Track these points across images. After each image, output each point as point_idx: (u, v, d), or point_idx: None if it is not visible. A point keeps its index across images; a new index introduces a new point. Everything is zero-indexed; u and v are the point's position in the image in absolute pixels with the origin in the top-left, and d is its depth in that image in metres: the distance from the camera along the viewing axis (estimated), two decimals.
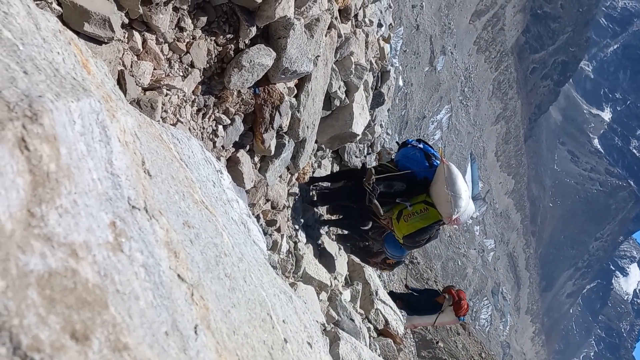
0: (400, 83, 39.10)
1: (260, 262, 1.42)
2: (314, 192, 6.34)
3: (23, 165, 0.54)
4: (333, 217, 6.90)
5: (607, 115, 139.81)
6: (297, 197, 5.55)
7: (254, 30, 3.51)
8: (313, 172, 6.13)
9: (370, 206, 5.26)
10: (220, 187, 1.58)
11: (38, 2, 2.07)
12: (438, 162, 5.44)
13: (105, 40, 2.34)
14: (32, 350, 0.48)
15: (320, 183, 6.18)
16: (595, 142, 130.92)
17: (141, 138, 0.98)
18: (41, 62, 0.72)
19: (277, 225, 4.73)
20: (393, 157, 6.00)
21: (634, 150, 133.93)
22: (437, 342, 12.19)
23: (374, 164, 7.72)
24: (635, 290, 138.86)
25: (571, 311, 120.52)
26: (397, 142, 6.45)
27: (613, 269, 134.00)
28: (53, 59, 0.77)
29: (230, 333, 0.94)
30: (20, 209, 0.53)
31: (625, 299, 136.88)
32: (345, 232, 7.23)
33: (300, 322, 1.41)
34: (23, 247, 0.51)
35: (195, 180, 1.28)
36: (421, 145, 5.68)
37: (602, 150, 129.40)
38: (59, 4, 2.16)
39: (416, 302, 7.72)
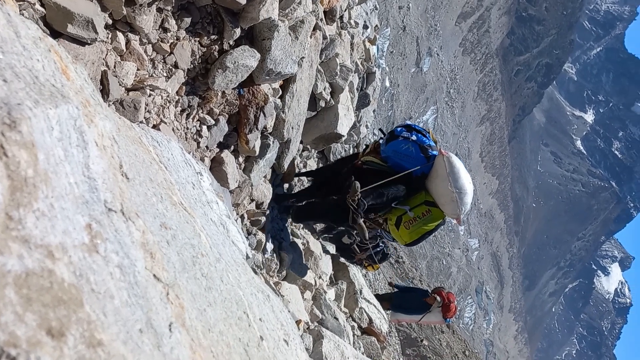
0: (387, 84, 39.26)
1: (238, 262, 1.45)
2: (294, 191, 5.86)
3: (1, 171, 0.57)
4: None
5: (589, 117, 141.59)
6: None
7: (238, 31, 3.53)
8: (298, 172, 6.13)
9: (354, 227, 4.68)
10: (200, 188, 1.61)
11: (21, 2, 2.08)
12: (435, 152, 4.74)
13: (89, 42, 2.35)
14: (9, 345, 0.50)
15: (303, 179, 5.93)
16: (578, 143, 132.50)
17: (119, 142, 1.00)
18: (21, 69, 0.74)
19: (262, 224, 4.75)
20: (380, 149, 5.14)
21: (616, 152, 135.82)
22: (422, 340, 12.29)
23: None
24: (616, 289, 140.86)
25: (553, 310, 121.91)
26: (380, 129, 5.59)
27: (595, 268, 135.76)
28: (33, 67, 0.79)
29: (206, 331, 0.97)
30: None
31: (606, 297, 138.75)
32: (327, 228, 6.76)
33: (277, 320, 1.44)
34: (1, 249, 0.54)
35: (175, 182, 1.30)
36: (414, 137, 4.84)
37: (585, 152, 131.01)
38: (42, 5, 2.17)
39: (405, 302, 7.73)
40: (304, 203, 5.54)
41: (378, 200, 4.63)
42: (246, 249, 1.77)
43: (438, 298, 7.13)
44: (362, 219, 4.59)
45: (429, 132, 5.00)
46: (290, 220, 5.67)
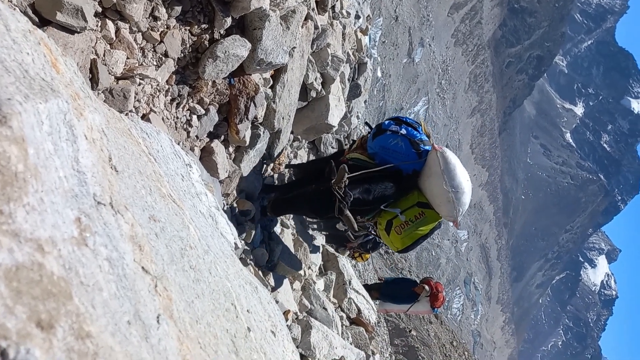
0: (379, 74, 39.22)
1: (227, 254, 1.46)
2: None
3: None
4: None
5: (579, 110, 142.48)
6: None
7: (229, 20, 3.52)
8: (289, 162, 6.12)
9: (341, 218, 4.13)
10: (189, 180, 1.62)
11: None
12: (428, 147, 4.31)
13: (78, 30, 2.34)
14: None
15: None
16: (568, 136, 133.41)
17: (109, 134, 1.01)
18: (11, 63, 0.75)
19: (251, 215, 4.76)
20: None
21: (605, 145, 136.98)
22: (410, 331, 12.40)
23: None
24: (602, 281, 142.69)
25: (540, 301, 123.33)
26: (366, 123, 5.19)
27: (582, 260, 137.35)
28: (23, 60, 0.80)
29: (193, 322, 0.99)
30: None
31: (592, 289, 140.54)
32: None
33: (265, 312, 1.46)
34: None
35: (164, 174, 1.31)
36: (404, 131, 4.40)
37: (574, 145, 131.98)
38: None
39: (394, 291, 7.76)
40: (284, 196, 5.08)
41: (364, 196, 4.15)
42: (235, 240, 1.78)
43: (426, 287, 7.16)
44: (349, 210, 4.06)
45: (420, 125, 4.56)
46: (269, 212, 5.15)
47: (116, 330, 0.71)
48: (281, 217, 5.57)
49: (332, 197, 4.05)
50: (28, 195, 0.63)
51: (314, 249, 6.45)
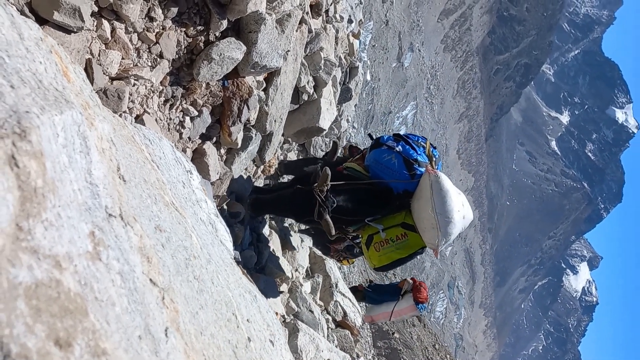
0: (368, 77, 39.28)
1: (226, 262, 1.46)
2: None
3: (12, 182, 0.57)
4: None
5: (565, 118, 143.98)
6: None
7: (225, 23, 3.51)
8: (282, 160, 6.11)
9: (320, 222, 3.92)
10: (190, 187, 1.61)
11: None
12: (423, 169, 4.10)
13: (75, 30, 2.31)
14: (21, 357, 0.51)
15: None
16: (553, 144, 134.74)
17: (117, 143, 1.00)
18: (26, 73, 0.74)
19: (241, 217, 4.75)
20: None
21: (589, 154, 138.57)
22: (393, 334, 12.42)
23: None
24: (583, 288, 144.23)
25: (522, 306, 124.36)
26: (369, 134, 4.97)
27: (564, 267, 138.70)
28: (36, 70, 0.79)
29: (198, 334, 0.98)
30: (9, 223, 0.56)
31: (574, 296, 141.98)
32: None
33: (264, 321, 1.46)
34: (12, 261, 0.54)
35: (166, 182, 1.30)
36: (399, 148, 4.21)
37: (559, 152, 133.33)
38: None
39: (378, 288, 7.72)
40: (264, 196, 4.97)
41: (348, 205, 4.02)
42: (232, 246, 1.78)
43: (409, 280, 7.12)
44: (329, 215, 3.88)
45: (424, 146, 4.37)
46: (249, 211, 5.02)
47: (129, 346, 0.70)
48: (270, 220, 5.59)
49: (313, 200, 3.90)
50: (46, 210, 0.63)
51: (301, 251, 6.46)
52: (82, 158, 0.79)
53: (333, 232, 3.91)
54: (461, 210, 3.93)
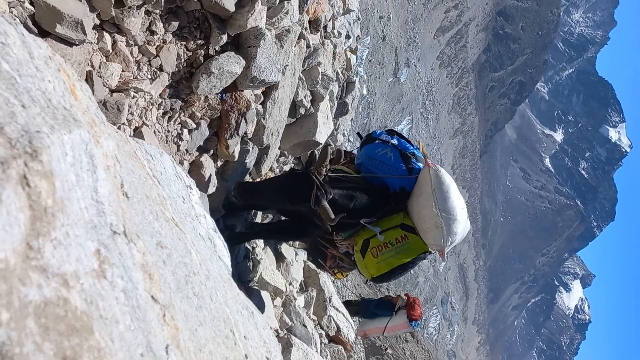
0: (365, 92, 39.50)
1: (224, 278, 1.47)
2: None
3: (24, 202, 0.58)
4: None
5: (559, 136, 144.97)
6: None
7: (225, 37, 3.55)
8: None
9: (317, 210, 3.41)
10: (190, 202, 1.62)
11: (10, 0, 2.05)
12: (420, 164, 3.82)
13: (77, 43, 2.33)
14: None
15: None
16: (547, 161, 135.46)
17: (120, 160, 1.02)
18: (36, 92, 0.75)
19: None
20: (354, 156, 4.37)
21: (583, 172, 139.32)
22: (386, 349, 12.36)
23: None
24: (576, 305, 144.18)
25: (516, 323, 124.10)
26: (358, 133, 4.82)
27: (557, 284, 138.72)
28: (46, 89, 0.80)
29: (197, 351, 0.99)
30: (20, 242, 0.57)
31: (567, 313, 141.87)
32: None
33: (260, 338, 1.46)
34: (23, 279, 0.55)
35: (167, 197, 1.31)
36: (395, 141, 3.95)
37: (553, 170, 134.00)
38: (32, 3, 2.15)
39: (371, 303, 7.69)
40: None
41: (344, 201, 3.57)
42: (230, 262, 1.79)
43: (403, 296, 7.08)
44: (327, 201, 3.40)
45: (418, 145, 4.10)
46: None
47: None
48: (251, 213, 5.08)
49: (310, 184, 3.43)
50: (55, 229, 0.64)
51: (296, 265, 6.44)
52: (89, 176, 0.80)
53: (332, 216, 3.36)
54: (464, 208, 3.62)
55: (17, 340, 0.52)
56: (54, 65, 0.88)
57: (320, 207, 3.36)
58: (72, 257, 0.67)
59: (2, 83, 0.67)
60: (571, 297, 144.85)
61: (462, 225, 3.56)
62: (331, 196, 3.45)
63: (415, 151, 3.96)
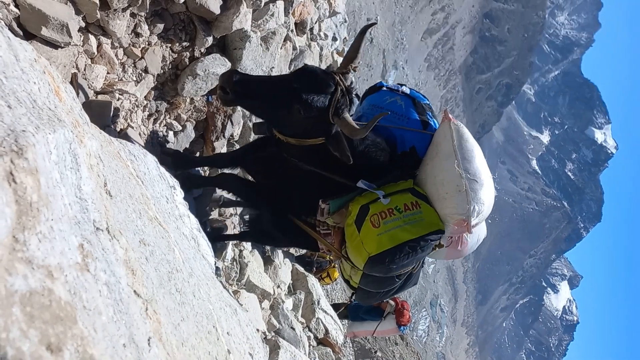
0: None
1: (208, 276, 1.50)
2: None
3: (10, 197, 0.61)
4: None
5: (545, 138, 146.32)
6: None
7: (210, 40, 3.57)
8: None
9: (332, 129, 2.63)
10: (173, 202, 1.65)
11: None
12: (436, 122, 3.12)
13: (62, 45, 2.35)
14: None
15: None
16: (534, 163, 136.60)
17: (104, 160, 1.04)
18: (21, 94, 0.78)
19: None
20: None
21: (569, 173, 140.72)
22: (376, 352, 12.39)
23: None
24: (564, 307, 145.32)
25: (504, 325, 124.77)
26: (356, 94, 2.92)
27: (545, 285, 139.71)
28: (31, 90, 0.83)
29: (180, 345, 1.02)
30: (7, 235, 0.60)
31: (555, 314, 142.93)
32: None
33: (244, 334, 1.49)
34: (9, 270, 0.58)
35: (150, 197, 1.34)
36: (407, 89, 3.22)
37: (540, 172, 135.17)
38: (17, 6, 2.16)
39: (360, 308, 7.71)
40: None
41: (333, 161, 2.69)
42: (215, 261, 1.81)
43: (392, 302, 7.11)
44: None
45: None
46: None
47: (114, 353, 0.74)
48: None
49: (326, 85, 2.56)
50: (40, 224, 0.66)
51: (284, 267, 6.45)
52: (73, 174, 0.83)
53: (357, 127, 2.50)
54: (490, 176, 2.85)
55: (4, 326, 0.55)
56: (39, 68, 0.91)
57: (340, 119, 2.51)
58: (56, 250, 0.69)
59: None
60: (559, 299, 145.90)
61: (490, 195, 2.73)
62: (352, 115, 2.58)
63: (430, 104, 3.29)
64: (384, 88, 3.28)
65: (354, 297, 3.74)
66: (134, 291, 0.93)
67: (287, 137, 2.83)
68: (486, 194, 2.68)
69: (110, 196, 1.01)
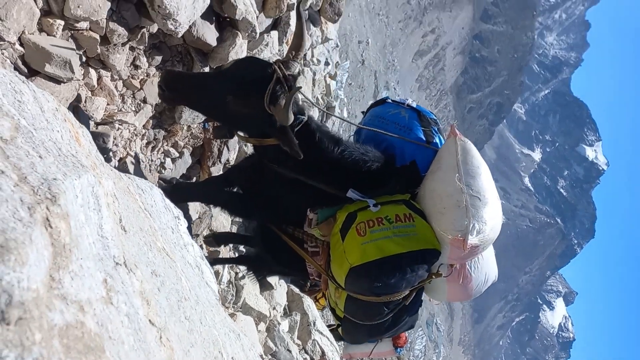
0: (345, 114, 39.82)
1: (212, 303, 1.56)
2: None
3: (47, 240, 0.68)
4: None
5: (537, 155, 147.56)
6: (239, 227, 5.61)
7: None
8: None
9: (271, 119, 2.43)
10: (178, 232, 1.72)
11: (1, 42, 2.15)
12: (442, 137, 3.02)
13: (65, 81, 2.43)
14: None
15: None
16: (526, 180, 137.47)
17: (118, 197, 1.12)
18: (48, 143, 0.86)
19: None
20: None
21: (562, 190, 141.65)
22: None
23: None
24: (560, 324, 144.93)
25: (501, 343, 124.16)
26: (362, 112, 3.38)
27: (540, 302, 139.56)
28: (56, 139, 0.91)
29: None
30: (45, 275, 0.67)
31: (551, 332, 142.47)
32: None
33: (247, 358, 1.55)
34: (49, 306, 0.65)
35: (157, 229, 1.41)
36: (413, 103, 3.12)
37: (532, 189, 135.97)
38: (22, 45, 2.24)
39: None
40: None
41: (331, 145, 2.64)
42: (217, 288, 1.88)
43: None
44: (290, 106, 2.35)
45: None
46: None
47: None
48: None
49: (264, 75, 2.40)
50: (72, 263, 0.74)
51: (279, 289, 6.48)
52: (95, 214, 0.90)
53: (292, 118, 2.36)
54: (498, 198, 2.62)
55: (47, 357, 0.62)
56: (60, 116, 0.99)
57: (276, 106, 2.34)
58: (85, 286, 0.76)
59: (22, 137, 0.78)
60: (555, 316, 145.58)
61: (494, 213, 2.46)
62: (305, 118, 2.55)
63: (436, 119, 3.16)
64: (389, 101, 3.20)
65: (340, 330, 3.49)
66: (149, 320, 0.99)
67: (248, 138, 2.74)
68: (490, 214, 2.42)
69: (125, 231, 1.09)
